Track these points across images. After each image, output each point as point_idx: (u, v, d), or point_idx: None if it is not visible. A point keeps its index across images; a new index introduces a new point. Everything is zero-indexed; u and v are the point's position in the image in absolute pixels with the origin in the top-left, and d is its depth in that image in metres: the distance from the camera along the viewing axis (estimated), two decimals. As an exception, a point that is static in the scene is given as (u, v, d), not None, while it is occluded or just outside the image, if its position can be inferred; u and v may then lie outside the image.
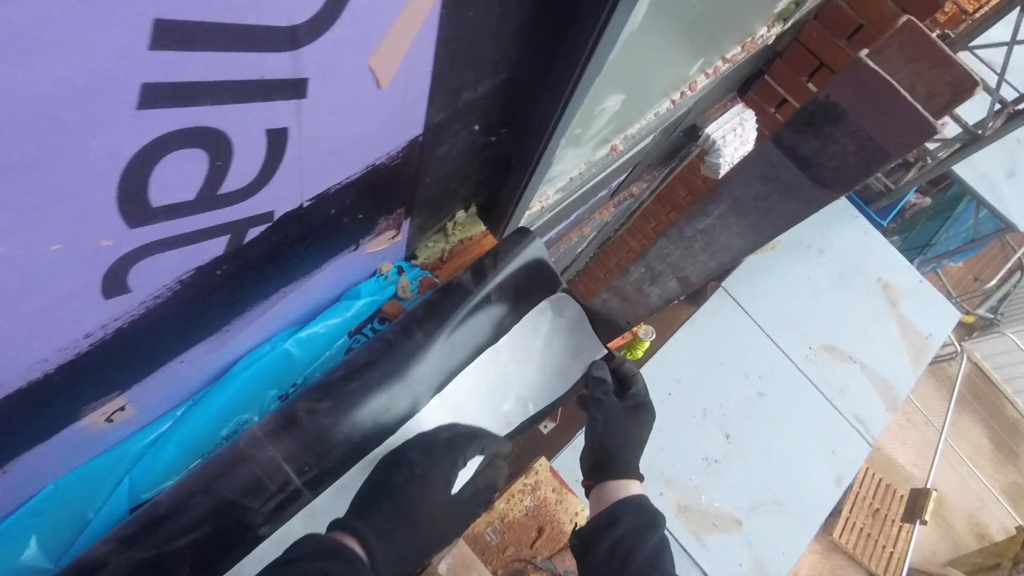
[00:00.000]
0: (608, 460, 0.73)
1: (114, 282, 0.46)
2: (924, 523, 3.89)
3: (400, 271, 0.95)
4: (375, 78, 0.49)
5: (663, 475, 2.62)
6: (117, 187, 0.37)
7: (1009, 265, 6.38)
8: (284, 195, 0.54)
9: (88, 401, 0.60)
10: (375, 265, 0.90)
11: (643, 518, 0.68)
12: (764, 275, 3.20)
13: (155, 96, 0.33)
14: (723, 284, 3.08)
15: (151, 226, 0.43)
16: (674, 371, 2.86)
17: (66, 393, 0.55)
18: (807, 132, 0.45)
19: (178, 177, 0.41)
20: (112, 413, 0.66)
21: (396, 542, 0.52)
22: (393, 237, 0.85)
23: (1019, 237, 4.88)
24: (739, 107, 2.52)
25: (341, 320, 0.85)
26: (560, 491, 1.09)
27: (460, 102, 0.65)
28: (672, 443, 2.69)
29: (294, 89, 0.42)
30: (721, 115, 2.45)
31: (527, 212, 1.17)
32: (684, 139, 2.46)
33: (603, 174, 1.43)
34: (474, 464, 0.64)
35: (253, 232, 0.55)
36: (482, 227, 1.02)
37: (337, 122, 0.50)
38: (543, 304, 0.90)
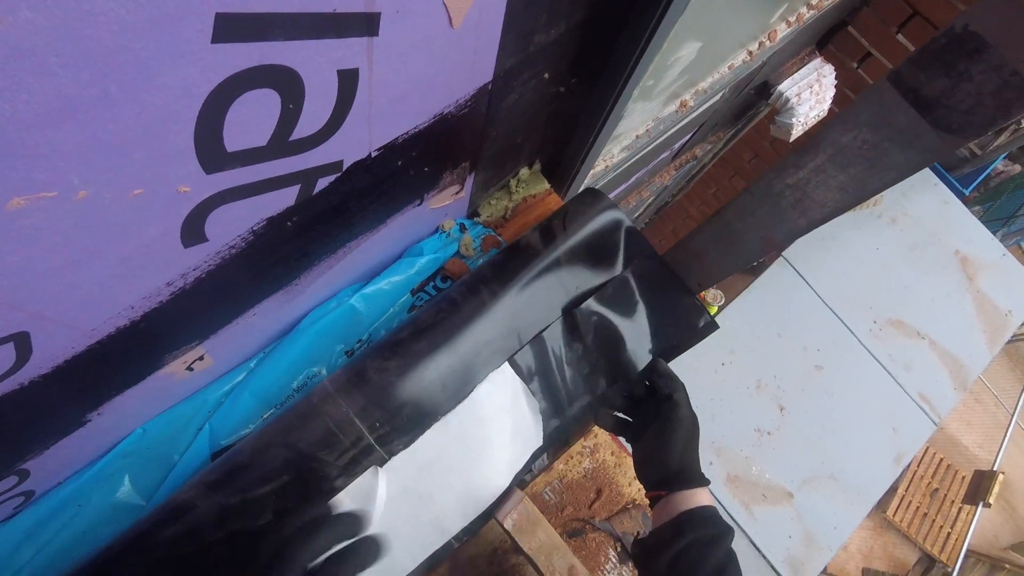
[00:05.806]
0: (680, 469, 0.69)
1: (192, 230, 0.46)
2: (988, 505, 3.69)
3: (463, 228, 0.93)
4: (448, 16, 0.46)
5: (713, 444, 2.57)
6: (194, 129, 0.37)
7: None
8: (353, 143, 0.52)
9: (170, 350, 0.62)
10: (437, 221, 0.89)
11: (710, 531, 0.64)
12: (828, 245, 3.01)
13: (229, 28, 0.32)
14: (784, 254, 2.93)
15: (226, 172, 0.42)
16: (728, 342, 2.76)
17: (149, 341, 0.57)
18: (935, 68, 0.39)
19: (251, 120, 0.40)
20: (192, 362, 0.68)
21: None
22: (457, 193, 0.83)
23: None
24: (817, 62, 2.33)
25: (404, 277, 0.84)
26: (619, 455, 1.08)
27: (532, 46, 0.62)
28: (724, 413, 2.63)
29: (366, 25, 0.40)
30: (797, 71, 2.28)
31: (591, 171, 1.12)
32: (754, 97, 2.30)
33: (669, 132, 1.36)
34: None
35: (323, 182, 0.54)
36: (546, 185, 0.98)
37: (407, 65, 0.48)
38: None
